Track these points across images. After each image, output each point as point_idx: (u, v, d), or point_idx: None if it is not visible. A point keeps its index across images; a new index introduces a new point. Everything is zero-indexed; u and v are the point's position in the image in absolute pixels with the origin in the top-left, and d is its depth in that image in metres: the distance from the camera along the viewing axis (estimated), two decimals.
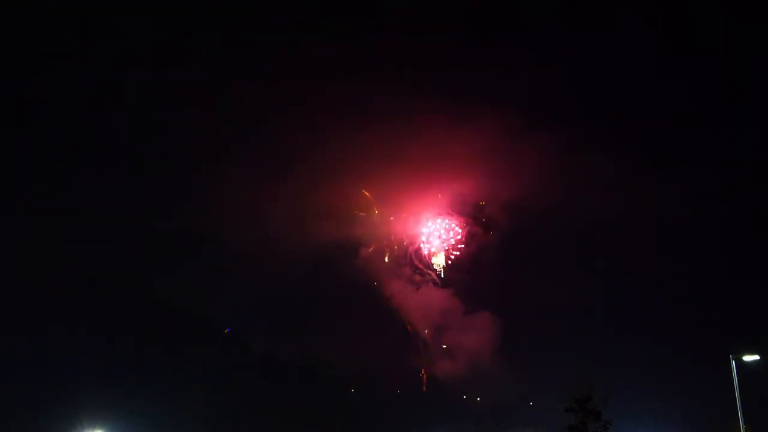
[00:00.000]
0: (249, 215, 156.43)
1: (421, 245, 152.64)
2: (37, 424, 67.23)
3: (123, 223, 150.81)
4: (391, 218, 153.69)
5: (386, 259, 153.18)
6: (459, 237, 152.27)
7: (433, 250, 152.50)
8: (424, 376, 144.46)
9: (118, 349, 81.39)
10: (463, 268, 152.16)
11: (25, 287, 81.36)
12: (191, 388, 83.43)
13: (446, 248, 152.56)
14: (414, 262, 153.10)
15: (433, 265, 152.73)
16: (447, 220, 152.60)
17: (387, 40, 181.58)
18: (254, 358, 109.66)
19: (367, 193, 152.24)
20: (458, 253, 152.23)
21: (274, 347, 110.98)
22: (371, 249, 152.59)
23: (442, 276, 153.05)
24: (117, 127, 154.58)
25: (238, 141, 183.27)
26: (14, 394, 67.78)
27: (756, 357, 37.47)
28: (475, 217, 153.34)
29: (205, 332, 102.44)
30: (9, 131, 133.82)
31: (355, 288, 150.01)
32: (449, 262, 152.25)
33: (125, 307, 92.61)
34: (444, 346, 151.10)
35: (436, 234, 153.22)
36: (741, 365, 37.19)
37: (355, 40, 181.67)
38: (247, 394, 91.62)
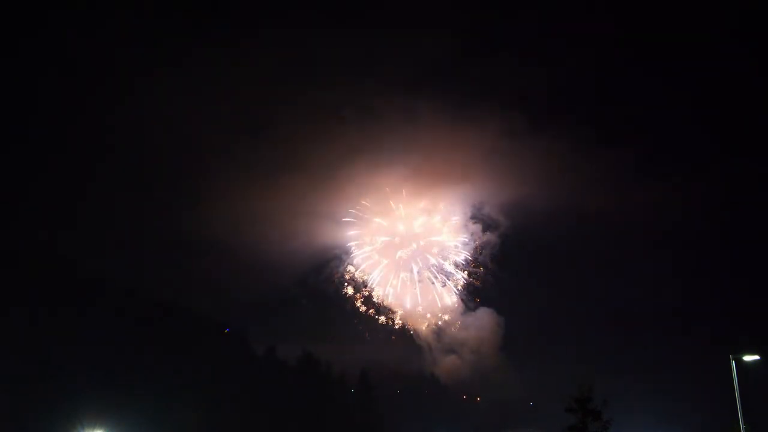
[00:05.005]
0: (249, 217, 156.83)
1: None
2: (37, 424, 67.24)
3: (123, 224, 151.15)
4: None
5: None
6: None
7: None
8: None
9: (118, 349, 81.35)
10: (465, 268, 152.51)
11: (24, 288, 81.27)
12: (191, 388, 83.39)
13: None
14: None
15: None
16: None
17: (387, 41, 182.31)
18: (254, 357, 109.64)
19: (365, 203, 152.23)
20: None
21: (275, 347, 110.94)
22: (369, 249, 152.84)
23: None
24: (117, 130, 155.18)
25: (238, 143, 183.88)
26: (15, 394, 67.74)
27: (756, 357, 37.40)
28: (475, 216, 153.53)
29: (205, 332, 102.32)
30: (9, 133, 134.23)
31: (354, 288, 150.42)
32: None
33: (125, 307, 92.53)
34: (444, 346, 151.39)
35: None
36: (741, 365, 37.12)
37: (355, 41, 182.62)
38: (247, 394, 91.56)
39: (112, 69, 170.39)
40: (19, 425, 66.08)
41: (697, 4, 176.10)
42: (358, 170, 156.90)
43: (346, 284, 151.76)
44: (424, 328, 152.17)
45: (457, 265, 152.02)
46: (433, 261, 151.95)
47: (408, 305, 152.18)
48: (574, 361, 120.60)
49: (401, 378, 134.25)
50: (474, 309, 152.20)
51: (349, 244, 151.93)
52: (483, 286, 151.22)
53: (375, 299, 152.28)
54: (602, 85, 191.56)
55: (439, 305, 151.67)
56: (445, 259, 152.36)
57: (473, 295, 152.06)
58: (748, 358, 37.37)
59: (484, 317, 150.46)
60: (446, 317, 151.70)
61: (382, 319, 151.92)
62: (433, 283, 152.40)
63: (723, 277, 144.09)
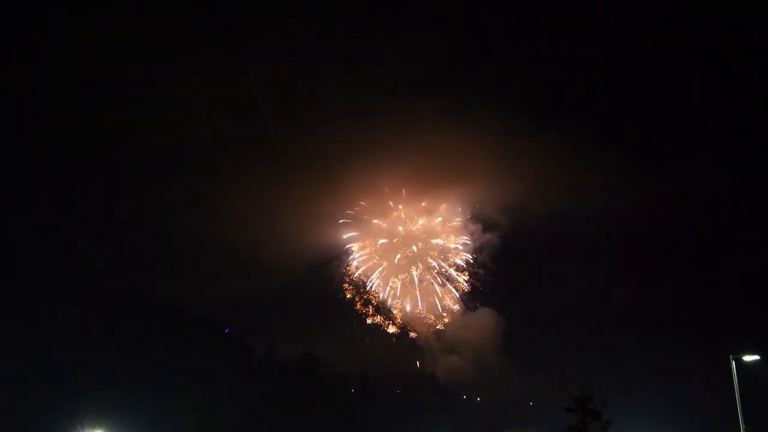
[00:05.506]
0: (249, 217, 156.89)
1: None
2: (37, 424, 67.20)
3: (124, 223, 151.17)
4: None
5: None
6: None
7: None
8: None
9: (118, 350, 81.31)
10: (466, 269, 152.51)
11: (24, 288, 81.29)
12: (191, 388, 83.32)
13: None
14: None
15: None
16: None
17: (387, 41, 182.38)
18: (254, 357, 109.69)
19: (365, 203, 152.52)
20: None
21: (274, 347, 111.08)
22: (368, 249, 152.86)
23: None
24: (117, 130, 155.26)
25: (239, 144, 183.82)
26: (15, 394, 67.72)
27: (756, 357, 37.42)
28: (475, 217, 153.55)
29: (205, 332, 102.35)
30: (9, 134, 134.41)
31: (354, 290, 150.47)
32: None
33: (126, 307, 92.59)
34: (445, 346, 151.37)
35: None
36: (741, 365, 37.13)
37: (355, 41, 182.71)
38: (247, 394, 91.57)
39: (113, 70, 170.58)
40: (19, 425, 66.03)
41: (697, 4, 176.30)
42: (358, 170, 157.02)
43: (346, 286, 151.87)
44: (424, 329, 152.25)
45: (457, 266, 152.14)
46: (433, 262, 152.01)
47: (408, 306, 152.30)
48: (574, 361, 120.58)
49: (401, 378, 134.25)
50: (474, 309, 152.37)
51: (348, 246, 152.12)
52: (483, 286, 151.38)
53: (375, 301, 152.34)
54: (601, 85, 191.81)
55: (439, 306, 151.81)
56: (445, 260, 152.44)
57: (473, 296, 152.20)
58: (748, 358, 37.38)
59: (485, 317, 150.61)
60: (446, 318, 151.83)
61: (382, 320, 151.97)
62: (433, 284, 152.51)
63: (723, 276, 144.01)
